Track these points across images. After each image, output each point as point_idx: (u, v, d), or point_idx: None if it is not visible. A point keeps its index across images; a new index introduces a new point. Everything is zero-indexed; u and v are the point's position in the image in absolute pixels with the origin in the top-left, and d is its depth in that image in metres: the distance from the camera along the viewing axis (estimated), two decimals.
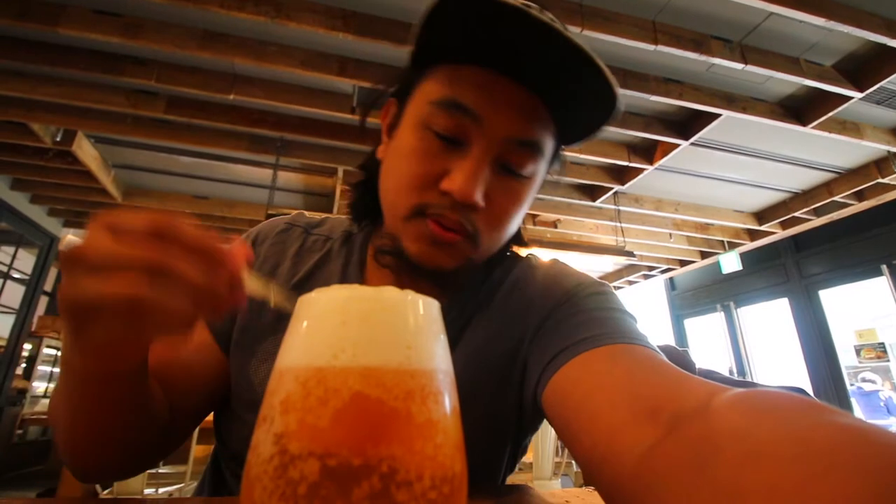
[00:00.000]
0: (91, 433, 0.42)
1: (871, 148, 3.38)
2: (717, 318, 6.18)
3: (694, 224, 4.90)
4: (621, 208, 4.35)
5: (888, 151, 3.43)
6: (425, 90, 0.50)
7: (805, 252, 5.19)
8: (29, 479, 4.66)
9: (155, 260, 0.28)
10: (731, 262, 5.41)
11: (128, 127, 3.23)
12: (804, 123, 2.97)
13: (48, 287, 5.27)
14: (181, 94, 2.98)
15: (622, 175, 3.91)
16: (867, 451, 0.19)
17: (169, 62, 2.73)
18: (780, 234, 4.93)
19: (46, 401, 5.28)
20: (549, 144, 0.51)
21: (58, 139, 3.46)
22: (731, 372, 5.72)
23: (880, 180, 3.70)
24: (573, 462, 3.10)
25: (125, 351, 0.33)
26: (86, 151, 3.62)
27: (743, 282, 5.80)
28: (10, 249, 4.68)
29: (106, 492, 2.22)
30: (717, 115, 2.94)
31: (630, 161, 3.54)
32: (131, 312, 0.27)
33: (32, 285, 4.88)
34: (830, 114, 2.86)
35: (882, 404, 4.33)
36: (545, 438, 2.50)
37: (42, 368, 5.31)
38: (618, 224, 4.58)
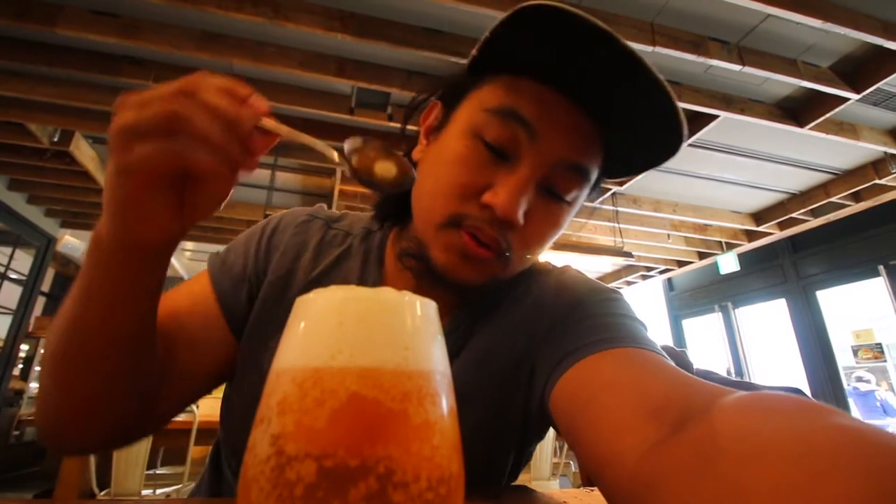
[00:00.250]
0: (84, 362, 0.40)
1: (867, 149, 3.39)
2: (714, 319, 6.19)
3: (692, 225, 4.91)
4: (619, 209, 4.36)
5: (885, 152, 3.44)
6: (480, 97, 0.49)
7: (802, 253, 5.20)
8: (26, 480, 4.64)
9: (191, 90, 0.32)
10: (728, 263, 5.43)
11: None
12: (801, 125, 2.99)
13: (45, 288, 5.26)
14: None
15: None
16: (868, 452, 0.20)
17: (167, 63, 2.72)
18: (778, 234, 4.94)
19: None
20: (595, 173, 0.50)
21: (55, 139, 3.45)
22: (728, 372, 5.73)
23: (877, 181, 3.71)
24: (571, 463, 3.10)
25: (161, 207, 0.34)
26: (83, 152, 3.62)
27: (741, 282, 5.82)
28: (8, 250, 4.67)
29: (103, 493, 2.21)
30: (714, 117, 2.95)
31: None
32: (169, 128, 0.31)
33: (30, 286, 4.87)
34: (827, 115, 2.87)
35: (878, 404, 4.35)
36: (544, 439, 2.51)
37: (39, 369, 5.29)
38: (616, 225, 4.59)
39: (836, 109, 2.82)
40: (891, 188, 3.93)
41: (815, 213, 4.52)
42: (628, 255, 4.63)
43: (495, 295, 0.58)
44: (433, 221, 0.48)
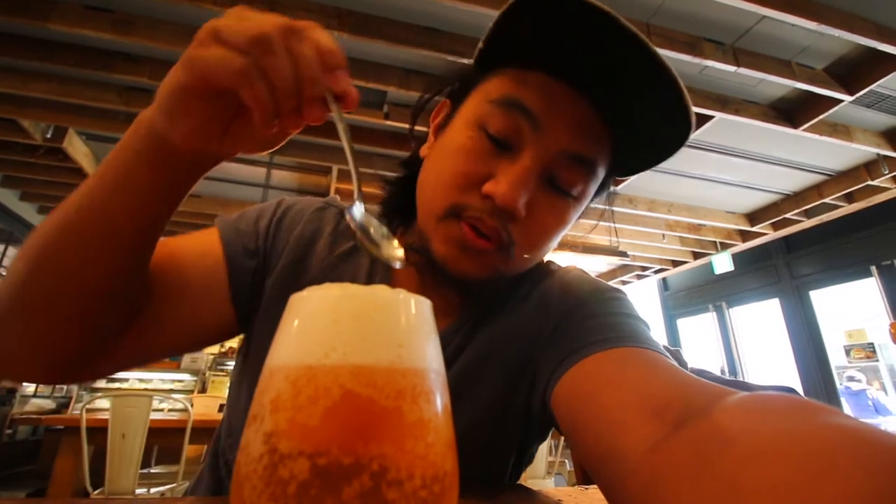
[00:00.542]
0: (77, 256, 0.38)
1: (860, 151, 3.42)
2: (709, 319, 6.22)
3: (686, 225, 4.93)
4: (615, 209, 4.36)
5: (878, 154, 3.47)
6: (486, 90, 0.49)
7: (796, 253, 5.24)
8: (19, 479, 4.61)
9: (295, 30, 0.32)
10: (723, 263, 5.46)
11: (119, 124, 3.20)
12: (795, 126, 3.00)
13: None
14: None
15: None
16: (867, 451, 0.20)
17: (161, 59, 2.70)
18: (772, 235, 4.97)
19: (36, 400, 5.23)
20: (601, 168, 0.49)
21: (48, 136, 3.42)
22: (722, 371, 5.76)
23: (870, 182, 3.74)
24: (566, 461, 3.11)
25: (205, 116, 0.35)
26: (77, 148, 3.59)
27: (735, 282, 5.85)
28: (0, 247, 4.63)
29: (97, 492, 2.20)
30: (709, 117, 2.97)
31: None
32: (253, 51, 0.31)
33: None
34: (821, 116, 2.89)
35: (870, 403, 4.38)
36: None
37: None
38: (611, 224, 4.59)
39: (830, 111, 2.84)
40: (883, 189, 3.97)
41: (808, 214, 4.55)
42: (623, 254, 4.65)
43: (500, 295, 0.57)
44: (434, 213, 0.48)
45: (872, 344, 4.68)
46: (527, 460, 0.61)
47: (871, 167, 3.71)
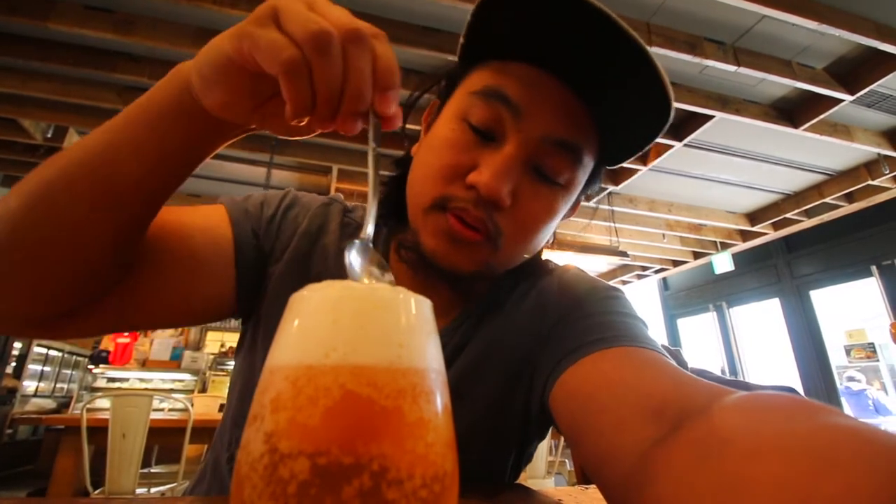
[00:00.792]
0: (84, 201, 0.37)
1: (861, 150, 3.42)
2: (709, 318, 6.22)
3: (687, 225, 4.93)
4: (615, 209, 4.37)
5: (878, 154, 3.46)
6: (468, 83, 0.49)
7: (796, 253, 5.24)
8: (19, 478, 4.62)
9: (360, 36, 0.30)
10: (723, 263, 5.45)
11: None
12: (796, 126, 3.00)
13: None
14: None
15: (616, 175, 3.93)
16: (866, 451, 0.20)
17: (162, 59, 2.70)
18: (772, 235, 4.97)
19: (37, 400, 5.23)
20: (588, 155, 0.49)
21: (49, 136, 3.42)
22: (723, 371, 5.76)
23: (870, 182, 3.74)
24: (566, 461, 3.11)
25: (242, 89, 0.34)
26: None
27: (735, 282, 5.85)
28: None
29: (97, 491, 2.20)
30: (710, 117, 2.96)
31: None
32: (307, 43, 0.29)
33: None
34: (822, 116, 2.89)
35: (870, 403, 4.38)
36: None
37: (32, 367, 5.25)
38: (612, 224, 4.60)
39: (831, 111, 2.84)
40: (883, 189, 3.97)
41: (808, 214, 4.55)
42: (624, 254, 4.65)
43: (499, 294, 0.58)
44: (421, 205, 0.48)
45: (873, 344, 4.67)
46: (526, 459, 0.61)
47: (871, 167, 3.71)
